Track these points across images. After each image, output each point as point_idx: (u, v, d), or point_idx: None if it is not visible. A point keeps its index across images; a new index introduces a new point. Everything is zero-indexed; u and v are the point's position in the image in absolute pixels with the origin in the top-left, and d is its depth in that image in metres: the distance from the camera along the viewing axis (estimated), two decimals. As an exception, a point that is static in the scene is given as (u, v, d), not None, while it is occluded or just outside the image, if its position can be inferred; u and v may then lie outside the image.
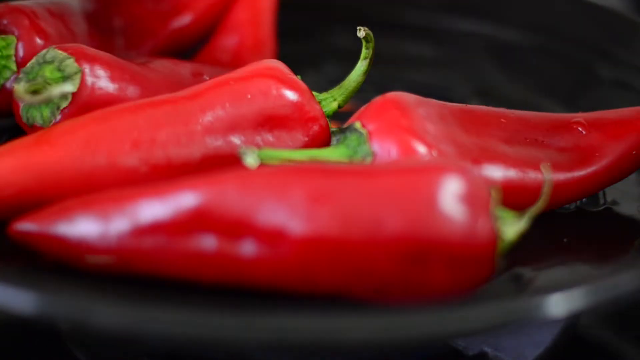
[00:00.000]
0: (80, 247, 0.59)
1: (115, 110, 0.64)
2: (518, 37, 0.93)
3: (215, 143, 0.64)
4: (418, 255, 0.56)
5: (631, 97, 0.82)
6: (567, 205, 0.71)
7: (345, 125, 0.66)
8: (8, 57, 0.72)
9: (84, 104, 0.67)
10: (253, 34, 0.85)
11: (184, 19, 0.84)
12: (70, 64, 0.67)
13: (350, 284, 0.57)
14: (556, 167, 0.67)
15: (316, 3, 0.97)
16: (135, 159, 0.63)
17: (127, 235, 0.58)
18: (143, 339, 0.58)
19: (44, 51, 0.68)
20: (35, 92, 0.65)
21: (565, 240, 0.68)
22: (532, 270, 0.65)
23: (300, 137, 0.66)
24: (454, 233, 0.56)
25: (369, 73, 0.70)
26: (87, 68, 0.67)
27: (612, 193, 0.73)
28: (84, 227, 0.58)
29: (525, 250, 0.61)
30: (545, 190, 0.61)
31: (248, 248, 0.57)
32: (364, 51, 0.69)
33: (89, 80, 0.67)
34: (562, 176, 0.68)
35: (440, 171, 0.58)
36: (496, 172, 0.65)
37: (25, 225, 0.60)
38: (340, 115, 0.71)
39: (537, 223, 0.60)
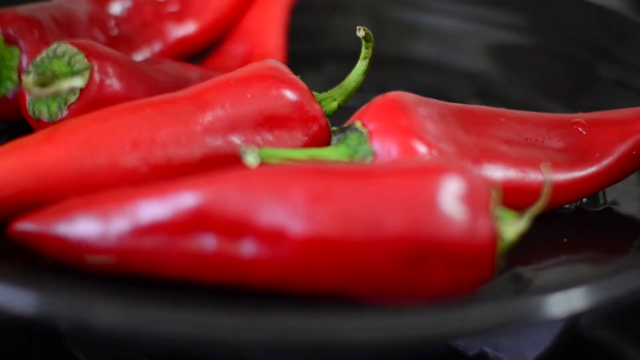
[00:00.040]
0: (80, 247, 0.59)
1: (116, 110, 0.64)
2: (518, 37, 0.93)
3: (215, 143, 0.64)
4: (418, 255, 0.56)
5: (631, 97, 0.82)
6: (567, 205, 0.71)
7: (345, 125, 0.66)
8: (11, 68, 0.71)
9: (91, 100, 0.67)
10: (263, 42, 0.85)
11: (189, 28, 0.84)
12: (81, 59, 0.67)
13: (350, 284, 0.57)
14: (556, 167, 0.67)
15: (316, 3, 0.97)
16: (135, 159, 0.63)
17: (127, 235, 0.58)
18: (143, 339, 0.58)
19: (55, 45, 0.68)
20: (43, 85, 0.65)
21: (565, 240, 0.68)
22: (532, 270, 0.65)
23: (300, 136, 0.66)
24: (454, 233, 0.56)
25: (368, 73, 0.70)
26: (96, 65, 0.67)
27: (612, 193, 0.73)
28: (84, 227, 0.58)
29: (525, 250, 0.61)
30: (545, 190, 0.61)
31: (248, 248, 0.57)
32: (363, 51, 0.69)
33: (98, 77, 0.67)
34: (562, 176, 0.68)
35: (441, 171, 0.58)
36: (496, 172, 0.65)
37: (25, 225, 0.60)
38: (340, 115, 0.71)
39: (537, 223, 0.60)
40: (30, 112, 0.68)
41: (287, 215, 0.57)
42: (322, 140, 0.67)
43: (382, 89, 0.68)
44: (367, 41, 0.69)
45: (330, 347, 0.55)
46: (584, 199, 0.72)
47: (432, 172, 0.58)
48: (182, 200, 0.58)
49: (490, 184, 0.60)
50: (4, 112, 0.73)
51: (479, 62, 0.93)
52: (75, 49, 0.67)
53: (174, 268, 0.58)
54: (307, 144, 0.66)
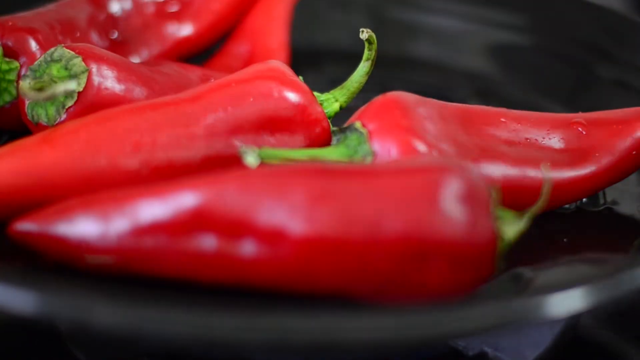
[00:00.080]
0: (80, 247, 0.59)
1: (117, 112, 0.64)
2: (518, 37, 0.93)
3: (216, 145, 0.64)
4: (418, 255, 0.56)
5: (631, 97, 0.82)
6: (567, 205, 0.71)
7: (345, 125, 0.66)
8: (10, 81, 0.71)
9: (89, 103, 0.67)
10: (266, 42, 0.85)
11: (188, 29, 0.84)
12: (78, 63, 0.67)
13: (350, 284, 0.57)
14: (556, 166, 0.67)
15: (317, 2, 0.97)
16: (137, 161, 0.63)
17: (127, 235, 0.58)
18: (143, 339, 0.58)
19: (51, 50, 0.68)
20: (40, 89, 0.65)
21: (565, 240, 0.68)
22: (532, 270, 0.65)
23: (302, 139, 0.66)
24: (454, 233, 0.56)
25: (370, 73, 0.70)
26: (94, 67, 0.67)
27: (612, 193, 0.73)
28: (84, 227, 0.58)
29: (525, 250, 0.61)
30: (545, 190, 0.61)
31: (248, 248, 0.57)
32: (366, 52, 0.69)
33: (96, 79, 0.67)
34: (562, 176, 0.68)
35: (441, 171, 0.58)
36: (496, 172, 0.65)
37: (25, 225, 0.60)
38: (340, 115, 0.71)
39: (537, 223, 0.60)
40: (29, 117, 0.68)
41: (287, 215, 0.57)
42: (324, 142, 0.67)
43: (383, 89, 0.68)
44: (370, 43, 0.69)
45: (330, 347, 0.55)
46: (584, 199, 0.72)
47: (432, 172, 0.58)
48: (182, 200, 0.58)
49: (490, 183, 0.60)
50: (2, 122, 0.73)
51: (479, 62, 0.93)
52: (71, 53, 0.67)
53: (174, 268, 0.58)
54: (310, 146, 0.66)
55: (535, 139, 0.69)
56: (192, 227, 0.57)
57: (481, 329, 0.57)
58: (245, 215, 0.57)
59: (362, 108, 0.66)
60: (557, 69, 0.89)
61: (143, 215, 0.58)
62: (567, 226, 0.70)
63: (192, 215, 0.57)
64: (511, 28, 0.93)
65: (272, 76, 0.66)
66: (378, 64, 0.71)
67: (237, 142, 0.65)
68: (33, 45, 0.72)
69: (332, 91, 0.70)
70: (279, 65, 0.67)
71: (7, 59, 0.71)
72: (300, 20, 0.91)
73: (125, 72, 0.68)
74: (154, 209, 0.58)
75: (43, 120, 0.67)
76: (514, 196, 0.64)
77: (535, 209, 0.60)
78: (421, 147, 0.63)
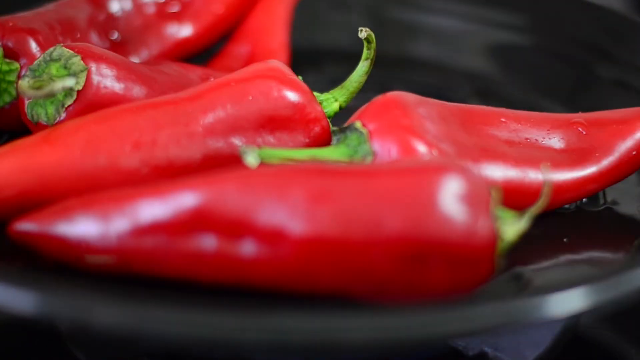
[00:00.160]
0: (80, 247, 0.59)
1: (116, 111, 0.64)
2: (518, 37, 0.93)
3: (216, 144, 0.64)
4: (418, 255, 0.56)
5: (631, 97, 0.82)
6: (567, 205, 0.71)
7: (345, 125, 0.66)
8: (10, 82, 0.71)
9: (89, 102, 0.67)
10: (266, 42, 0.85)
11: (187, 30, 0.84)
12: (77, 62, 0.67)
13: (350, 284, 0.57)
14: (556, 167, 0.67)
15: (317, 2, 0.97)
16: (136, 160, 0.63)
17: (127, 235, 0.58)
18: (143, 339, 0.58)
19: (50, 49, 0.68)
20: (39, 88, 0.65)
21: (565, 240, 0.68)
22: (532, 270, 0.65)
23: (302, 138, 0.66)
24: (454, 233, 0.56)
25: (369, 73, 0.70)
26: (93, 66, 0.67)
27: (612, 193, 0.73)
28: (84, 227, 0.58)
29: (525, 250, 0.61)
30: (545, 190, 0.61)
31: (248, 248, 0.57)
32: (365, 52, 0.69)
33: (95, 78, 0.67)
34: (562, 176, 0.68)
35: (441, 171, 0.58)
36: (496, 172, 0.65)
37: (25, 225, 0.60)
38: (340, 115, 0.71)
39: (537, 223, 0.60)
40: (29, 116, 0.68)
41: (287, 215, 0.57)
42: (324, 141, 0.67)
43: (383, 89, 0.68)
44: (369, 42, 0.69)
45: (330, 347, 0.55)
46: (584, 199, 0.72)
47: (432, 172, 0.58)
48: (182, 200, 0.58)
49: (490, 183, 0.60)
50: (2, 123, 0.73)
51: (479, 62, 0.93)
52: (71, 52, 0.67)
53: (174, 268, 0.58)
54: (309, 146, 0.66)
55: (536, 139, 0.69)
56: (192, 227, 0.57)
57: (481, 329, 0.57)
58: (245, 215, 0.57)
59: (363, 108, 0.66)
60: (557, 69, 0.89)
61: (143, 215, 0.58)
62: (567, 226, 0.70)
63: (192, 215, 0.57)
64: (511, 28, 0.93)
65: (271, 75, 0.66)
66: (378, 64, 0.71)
67: (237, 141, 0.65)
68: (33, 46, 0.72)
69: (331, 91, 0.70)
70: (279, 64, 0.67)
71: (8, 60, 0.71)
72: (300, 20, 0.91)
73: (124, 71, 0.68)
74: (154, 208, 0.58)
75: (43, 119, 0.67)
76: (513, 196, 0.64)
77: (536, 209, 0.60)
78: (421, 147, 0.63)
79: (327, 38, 0.96)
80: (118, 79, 0.68)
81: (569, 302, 0.56)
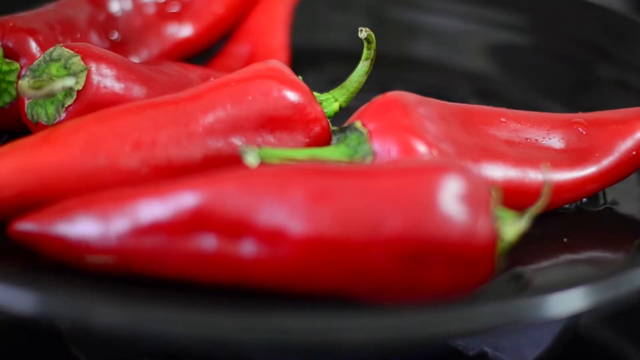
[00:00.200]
0: (80, 247, 0.59)
1: (116, 111, 0.64)
2: (518, 37, 0.93)
3: (216, 144, 0.64)
4: (418, 255, 0.56)
5: (631, 97, 0.82)
6: (567, 205, 0.71)
7: (345, 125, 0.66)
8: (10, 82, 0.71)
9: (89, 102, 0.67)
10: (266, 42, 0.85)
11: (187, 31, 0.84)
12: (77, 62, 0.67)
13: (350, 284, 0.57)
14: (556, 167, 0.67)
15: (317, 2, 0.97)
16: (136, 160, 0.63)
17: (127, 235, 0.58)
18: (143, 339, 0.58)
19: (50, 49, 0.68)
20: (39, 88, 0.65)
21: (565, 240, 0.68)
22: (532, 270, 0.65)
23: (302, 138, 0.66)
24: (454, 233, 0.56)
25: (369, 73, 0.70)
26: (93, 66, 0.67)
27: (612, 193, 0.73)
28: (84, 227, 0.58)
29: (525, 250, 0.61)
30: (545, 190, 0.61)
31: (248, 248, 0.57)
32: (365, 52, 0.69)
33: (95, 78, 0.67)
34: (562, 176, 0.68)
35: (441, 171, 0.58)
36: (496, 172, 0.65)
37: (25, 225, 0.60)
38: (340, 115, 0.71)
39: (537, 223, 0.60)
40: (29, 116, 0.68)
41: (287, 215, 0.57)
42: (324, 141, 0.67)
43: (382, 89, 0.68)
44: (369, 42, 0.69)
45: (330, 347, 0.55)
46: (584, 199, 0.72)
47: (432, 172, 0.58)
48: (182, 200, 0.58)
49: (490, 183, 0.60)
50: (2, 123, 0.73)
51: (479, 62, 0.93)
52: (70, 52, 0.67)
53: (174, 268, 0.58)
54: (309, 146, 0.66)
55: (535, 139, 0.69)
56: (192, 227, 0.57)
57: (481, 329, 0.57)
58: (245, 215, 0.57)
59: (362, 108, 0.66)
60: (557, 69, 0.89)
61: (143, 215, 0.58)
62: (567, 226, 0.70)
63: (192, 215, 0.57)
64: (511, 28, 0.93)
65: (271, 75, 0.66)
66: (378, 64, 0.71)
67: (237, 141, 0.65)
68: (33, 46, 0.72)
69: (331, 91, 0.70)
70: (278, 64, 0.67)
71: (8, 60, 0.71)
72: (300, 21, 0.91)
73: (124, 71, 0.68)
74: (154, 208, 0.58)
75: (43, 119, 0.67)
76: (514, 196, 0.64)
77: (536, 209, 0.60)
78: (421, 146, 0.63)
79: (327, 38, 0.96)
80: (118, 79, 0.68)
81: (569, 302, 0.56)
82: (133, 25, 0.82)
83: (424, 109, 0.65)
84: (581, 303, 0.56)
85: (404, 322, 0.54)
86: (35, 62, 0.68)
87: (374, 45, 0.69)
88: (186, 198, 0.58)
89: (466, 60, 0.93)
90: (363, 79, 0.70)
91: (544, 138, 0.69)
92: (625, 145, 0.69)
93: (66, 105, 0.67)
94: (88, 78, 0.67)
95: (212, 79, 0.72)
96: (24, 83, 0.65)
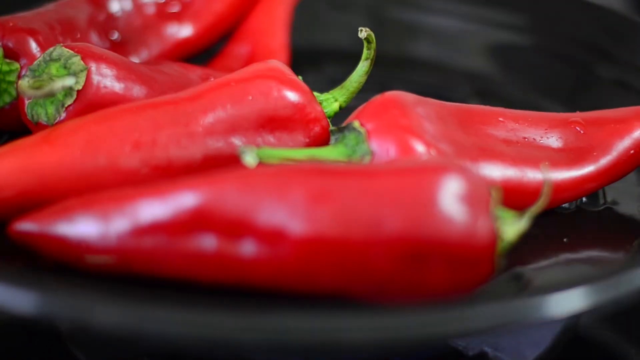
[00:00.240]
0: (80, 247, 0.59)
1: (116, 111, 0.64)
2: (518, 37, 0.93)
3: (216, 144, 0.64)
4: (418, 255, 0.56)
5: (631, 97, 0.82)
6: (567, 205, 0.71)
7: (343, 124, 0.66)
8: (10, 83, 0.71)
9: (89, 102, 0.67)
10: (266, 43, 0.85)
11: (187, 31, 0.84)
12: (77, 61, 0.67)
13: (350, 284, 0.57)
14: (554, 166, 0.67)
15: (317, 2, 0.97)
16: (136, 160, 0.63)
17: (127, 235, 0.58)
18: (143, 339, 0.58)
19: (50, 49, 0.68)
20: (39, 87, 0.65)
21: (565, 240, 0.68)
22: (532, 270, 0.65)
23: (302, 138, 0.66)
24: (454, 233, 0.56)
25: (369, 73, 0.70)
26: (93, 66, 0.67)
27: (612, 193, 0.73)
28: (84, 227, 0.58)
29: (525, 250, 0.61)
30: (545, 190, 0.61)
31: (248, 248, 0.57)
32: (365, 52, 0.69)
33: (95, 78, 0.67)
34: (560, 175, 0.68)
35: (440, 171, 0.58)
36: (495, 172, 0.65)
37: (25, 225, 0.60)
38: (340, 115, 0.71)
39: (537, 223, 0.60)
40: (29, 116, 0.68)
41: (287, 215, 0.57)
42: (324, 141, 0.67)
43: (382, 89, 0.68)
44: (369, 42, 0.69)
45: (330, 347, 0.55)
46: (584, 199, 0.72)
47: (431, 171, 0.58)
48: (182, 200, 0.58)
49: (490, 183, 0.60)
50: (2, 123, 0.73)
51: (479, 62, 0.93)
52: (70, 52, 0.67)
53: (174, 268, 0.58)
54: (309, 146, 0.66)
55: (533, 138, 0.69)
56: (192, 227, 0.57)
57: (481, 329, 0.57)
58: (245, 215, 0.57)
59: (361, 107, 0.66)
60: (557, 69, 0.89)
61: (143, 215, 0.58)
62: (567, 226, 0.70)
63: (192, 215, 0.57)
64: (511, 28, 0.93)
65: (271, 75, 0.66)
66: (378, 63, 0.71)
67: (237, 141, 0.65)
68: (33, 46, 0.72)
69: (331, 91, 0.70)
70: (278, 64, 0.67)
71: (8, 60, 0.71)
72: (300, 21, 0.91)
73: (124, 70, 0.68)
74: (154, 208, 0.58)
75: (43, 119, 0.67)
76: (512, 196, 0.64)
77: (535, 208, 0.60)
78: (419, 146, 0.63)
79: (327, 38, 0.96)
80: (118, 78, 0.68)
81: (569, 302, 0.56)
82: (133, 25, 0.82)
83: (422, 109, 0.65)
84: (581, 303, 0.56)
85: (404, 322, 0.54)
86: (35, 62, 0.68)
87: (373, 45, 0.69)
88: (186, 198, 0.58)
89: (466, 60, 0.93)
90: (363, 79, 0.70)
91: (541, 137, 0.69)
92: (623, 144, 0.69)
93: (66, 105, 0.67)
94: (88, 78, 0.67)
95: (212, 79, 0.72)
96: (24, 83, 0.65)
